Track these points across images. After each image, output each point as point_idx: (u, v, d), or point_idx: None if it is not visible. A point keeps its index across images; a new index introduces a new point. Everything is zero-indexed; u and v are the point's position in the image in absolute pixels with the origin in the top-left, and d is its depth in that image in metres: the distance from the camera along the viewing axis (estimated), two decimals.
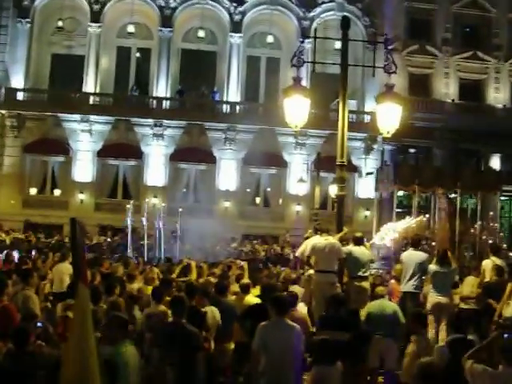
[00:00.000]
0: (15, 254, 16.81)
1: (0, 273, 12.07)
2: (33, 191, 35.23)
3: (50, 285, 13.76)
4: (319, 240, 12.16)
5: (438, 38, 38.00)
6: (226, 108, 35.98)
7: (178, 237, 25.15)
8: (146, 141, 35.36)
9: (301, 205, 35.26)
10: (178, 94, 36.59)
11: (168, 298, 9.11)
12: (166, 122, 35.11)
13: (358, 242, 12.84)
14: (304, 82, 13.17)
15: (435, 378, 5.68)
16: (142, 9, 36.51)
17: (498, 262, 13.10)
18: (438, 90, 37.86)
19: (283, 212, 35.88)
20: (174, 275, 13.12)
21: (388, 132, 11.28)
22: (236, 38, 36.48)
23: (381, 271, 15.65)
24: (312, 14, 36.55)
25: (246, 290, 10.57)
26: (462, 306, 12.15)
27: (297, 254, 13.67)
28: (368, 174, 33.52)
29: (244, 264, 14.14)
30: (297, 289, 11.83)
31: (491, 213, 23.72)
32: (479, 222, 22.19)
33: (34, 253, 19.36)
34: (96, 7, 35.83)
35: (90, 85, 35.47)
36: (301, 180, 33.98)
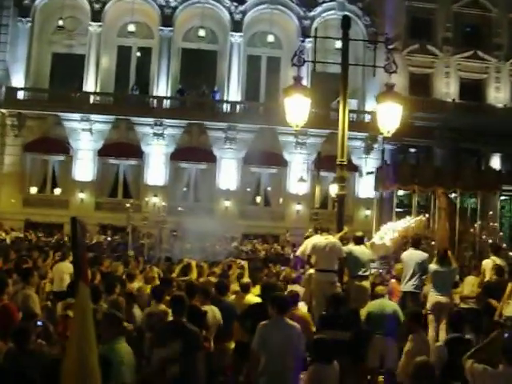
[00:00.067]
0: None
1: (0, 272, 12.05)
2: (33, 190, 35.25)
3: (51, 284, 13.77)
4: (320, 239, 12.17)
5: (438, 37, 38.00)
6: (226, 107, 36.00)
7: (178, 236, 25.19)
8: (146, 140, 35.37)
9: (301, 204, 35.28)
10: (178, 94, 36.60)
11: (168, 298, 9.10)
12: (166, 121, 35.13)
13: (359, 241, 12.85)
14: (304, 82, 13.17)
15: (430, 378, 5.68)
16: (142, 8, 36.51)
17: (498, 261, 13.11)
18: (439, 89, 37.86)
19: (283, 211, 35.89)
20: (174, 274, 13.11)
21: (388, 131, 11.28)
22: (236, 38, 36.49)
23: (381, 270, 15.64)
24: (313, 13, 36.56)
25: (246, 289, 10.57)
26: (462, 305, 12.15)
27: (297, 254, 13.67)
28: (368, 173, 33.50)
29: (244, 263, 14.13)
30: (297, 288, 11.82)
31: (491, 212, 23.71)
32: (479, 222, 22.17)
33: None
34: (96, 6, 35.84)
35: (90, 84, 35.49)
36: (301, 179, 34.00)
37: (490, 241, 20.68)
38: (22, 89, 35.03)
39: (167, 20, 36.21)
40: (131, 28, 36.27)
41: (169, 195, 34.19)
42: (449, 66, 37.89)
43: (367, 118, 35.05)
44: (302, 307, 10.92)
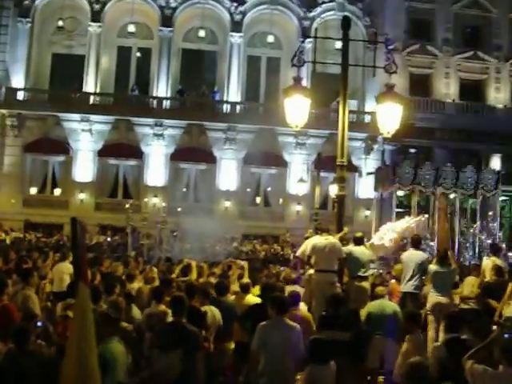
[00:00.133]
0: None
1: (0, 272, 12.05)
2: (33, 191, 35.25)
3: (51, 284, 13.77)
4: (319, 240, 12.17)
5: (438, 37, 38.01)
6: (226, 108, 35.99)
7: (178, 237, 25.18)
8: (146, 140, 35.37)
9: (301, 205, 35.28)
10: (178, 94, 36.60)
11: (168, 298, 9.10)
12: (166, 121, 35.13)
13: (359, 241, 12.85)
14: (304, 82, 13.18)
15: (423, 378, 5.68)
16: (142, 8, 36.51)
17: (498, 262, 13.12)
18: (439, 89, 37.87)
19: (283, 212, 35.89)
20: (174, 275, 13.11)
21: (388, 132, 11.27)
22: (236, 38, 36.49)
23: (381, 271, 15.63)
24: (312, 13, 36.57)
25: (246, 289, 10.57)
26: (462, 306, 12.14)
27: (297, 254, 13.67)
28: (369, 173, 33.50)
29: (244, 264, 14.13)
30: (297, 289, 11.81)
31: (490, 213, 23.70)
32: (478, 222, 22.16)
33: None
34: (96, 7, 35.85)
35: (90, 84, 35.49)
36: (301, 180, 33.99)
37: (489, 241, 20.69)
38: (21, 89, 35.04)
39: (167, 20, 36.21)
40: (131, 28, 36.26)
41: (169, 196, 34.20)
42: (449, 66, 37.90)
43: (367, 118, 35.05)
44: (303, 307, 10.92)
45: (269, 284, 10.96)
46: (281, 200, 36.21)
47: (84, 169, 34.91)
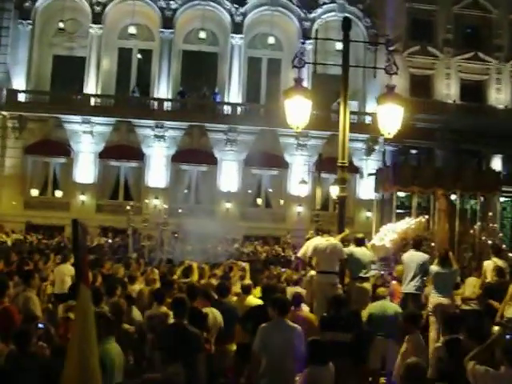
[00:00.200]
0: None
1: (1, 274, 12.05)
2: (34, 192, 35.26)
3: (52, 286, 13.77)
4: (320, 241, 12.17)
5: (439, 38, 38.01)
6: (227, 109, 36.00)
7: (179, 238, 25.17)
8: (147, 142, 35.39)
9: (302, 206, 35.27)
10: (179, 96, 36.61)
11: (169, 300, 9.11)
12: (167, 123, 35.15)
13: (360, 242, 12.85)
14: (305, 83, 13.16)
15: (420, 379, 5.67)
16: (143, 10, 36.53)
17: (500, 262, 13.10)
18: (440, 90, 37.86)
19: (284, 213, 35.90)
20: (175, 276, 13.11)
21: (389, 133, 11.26)
22: (237, 39, 36.50)
23: (382, 272, 15.62)
24: (313, 15, 36.56)
25: (247, 290, 10.57)
26: (464, 306, 12.13)
27: (298, 255, 13.67)
28: (370, 174, 33.46)
29: (246, 265, 14.13)
30: (298, 290, 11.81)
31: (490, 213, 23.69)
32: (479, 223, 22.14)
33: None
34: (97, 9, 35.86)
35: (91, 86, 35.51)
36: (302, 181, 33.98)
37: (490, 242, 20.67)
38: (22, 91, 35.04)
39: (168, 22, 36.23)
40: (132, 30, 36.28)
41: (170, 197, 34.20)
42: (449, 67, 37.89)
43: (368, 119, 35.06)
44: (305, 309, 10.92)
45: (270, 285, 10.96)
46: (282, 201, 36.22)
47: (85, 170, 34.92)
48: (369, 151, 35.94)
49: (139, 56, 38.14)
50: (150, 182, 35.31)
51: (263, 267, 17.34)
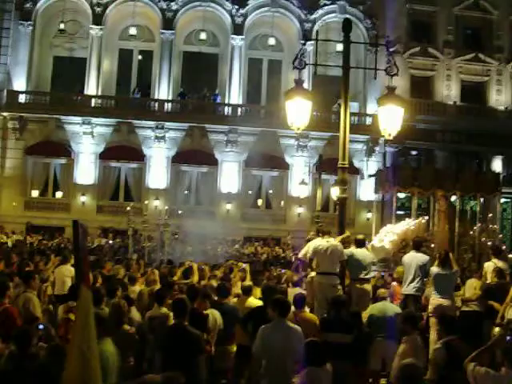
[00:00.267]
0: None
1: (1, 275, 12.05)
2: (35, 193, 35.25)
3: (52, 287, 13.77)
4: (321, 242, 12.16)
5: (439, 40, 38.00)
6: (227, 110, 35.99)
7: (180, 239, 25.18)
8: (147, 143, 35.39)
9: (302, 207, 35.26)
10: (179, 97, 36.62)
11: (170, 301, 9.11)
12: (167, 124, 35.15)
13: (360, 244, 12.85)
14: (306, 84, 13.16)
15: (416, 380, 5.67)
16: (143, 11, 36.54)
17: (500, 264, 13.11)
18: (440, 92, 37.86)
19: (285, 214, 35.89)
20: (175, 277, 13.11)
21: (390, 134, 11.27)
22: (238, 41, 36.50)
23: (382, 273, 15.63)
24: (314, 16, 36.56)
25: (248, 292, 10.57)
26: (464, 308, 12.12)
27: (299, 256, 13.67)
28: (370, 176, 33.52)
29: (246, 266, 14.13)
30: (299, 291, 11.80)
31: (490, 214, 23.71)
32: (478, 224, 22.16)
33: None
34: (98, 10, 35.87)
35: (91, 87, 35.51)
36: (302, 182, 33.97)
37: (489, 243, 20.67)
38: (23, 92, 35.03)
39: (168, 23, 36.23)
40: (132, 31, 36.28)
41: (170, 198, 34.20)
42: (450, 68, 37.88)
43: (368, 120, 35.04)
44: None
45: (270, 286, 10.96)
46: (282, 202, 36.22)
47: (85, 171, 34.92)
48: (369, 152, 35.93)
49: (140, 57, 38.15)
50: (150, 182, 35.31)
51: (263, 268, 17.35)
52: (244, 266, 14.43)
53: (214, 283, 11.74)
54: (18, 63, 35.20)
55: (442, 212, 20.90)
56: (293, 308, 8.98)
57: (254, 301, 10.22)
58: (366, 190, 34.13)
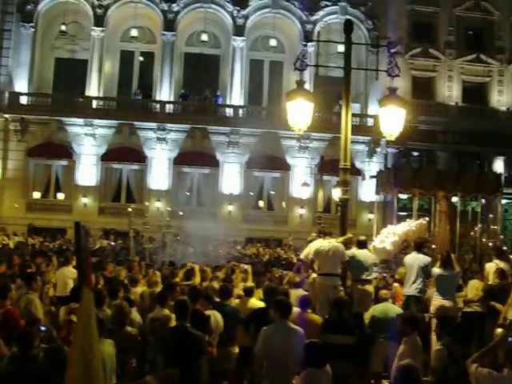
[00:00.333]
0: None
1: (3, 277, 12.06)
2: (36, 195, 35.28)
3: (54, 289, 13.77)
4: (323, 243, 12.15)
5: (441, 41, 37.99)
6: (229, 111, 35.99)
7: (181, 240, 25.18)
8: (149, 144, 35.41)
9: (304, 208, 35.26)
10: (181, 98, 36.65)
11: (172, 302, 9.11)
12: (169, 125, 35.16)
13: (362, 245, 12.84)
14: (307, 86, 13.19)
15: (414, 381, 5.67)
16: (145, 13, 36.57)
17: (502, 264, 13.09)
18: (442, 92, 37.85)
19: (286, 215, 35.90)
20: (177, 279, 13.10)
21: (391, 135, 11.28)
22: (239, 42, 36.51)
23: (384, 274, 15.61)
24: (315, 17, 36.54)
25: (249, 293, 10.56)
26: (466, 309, 12.11)
27: (301, 257, 13.67)
28: (372, 177, 33.48)
29: (248, 267, 14.12)
30: (300, 292, 11.79)
31: (491, 215, 23.71)
32: (479, 225, 22.15)
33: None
34: (99, 11, 35.90)
35: (93, 89, 35.53)
36: (304, 183, 33.98)
37: (490, 244, 20.66)
38: (25, 94, 35.06)
39: (170, 25, 36.25)
40: (134, 33, 36.33)
41: (172, 200, 34.21)
42: (451, 69, 37.86)
43: (370, 121, 34.99)
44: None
45: (272, 287, 10.95)
46: (284, 204, 36.22)
47: (87, 173, 34.95)
48: (371, 153, 35.92)
49: (141, 58, 38.19)
50: (152, 184, 35.33)
51: (265, 269, 17.34)
52: (246, 267, 14.41)
53: (216, 285, 11.73)
54: (20, 65, 35.24)
55: (443, 213, 20.87)
56: (298, 309, 8.99)
57: (256, 302, 10.22)
58: (368, 191, 34.09)
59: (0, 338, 7.60)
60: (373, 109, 33.95)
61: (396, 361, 8.19)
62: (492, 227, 23.32)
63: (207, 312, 9.05)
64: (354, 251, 12.49)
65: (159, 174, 35.29)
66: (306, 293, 11.87)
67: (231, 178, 35.56)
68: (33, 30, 35.53)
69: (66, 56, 37.48)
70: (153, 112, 35.59)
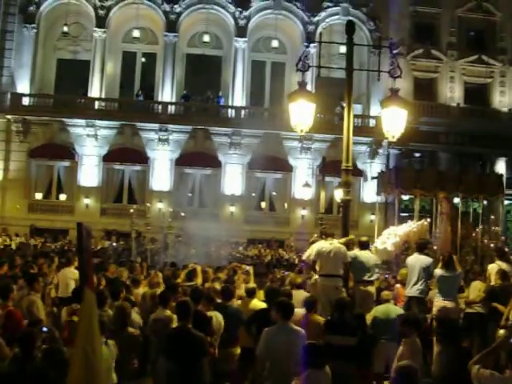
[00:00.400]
0: None
1: (5, 278, 12.07)
2: (38, 196, 35.31)
3: (56, 289, 13.77)
4: (324, 244, 12.13)
5: (443, 42, 37.99)
6: (231, 112, 36.02)
7: (183, 241, 25.16)
8: (151, 145, 35.42)
9: (306, 209, 35.26)
10: (183, 99, 36.67)
11: (173, 303, 9.11)
12: (171, 126, 35.18)
13: (364, 246, 12.82)
14: (309, 87, 13.20)
15: (412, 382, 5.66)
16: (147, 14, 36.60)
17: (504, 266, 13.06)
18: (443, 93, 37.84)
19: (288, 216, 35.89)
20: (179, 280, 13.10)
21: (393, 136, 11.27)
22: (241, 43, 36.53)
23: (386, 275, 15.61)
24: (317, 18, 36.57)
25: (251, 294, 10.56)
26: (468, 310, 12.10)
27: (303, 258, 13.66)
28: (374, 178, 33.47)
29: (250, 268, 14.11)
30: (302, 293, 11.79)
31: (493, 216, 23.70)
32: (481, 226, 22.13)
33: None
34: (101, 12, 35.93)
35: (95, 90, 35.56)
36: (306, 184, 33.97)
37: (492, 245, 20.64)
38: (27, 95, 35.11)
39: (172, 26, 36.28)
40: (136, 34, 36.37)
41: (174, 200, 34.20)
42: (453, 70, 37.86)
43: (372, 122, 35.03)
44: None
45: (273, 288, 10.95)
46: (286, 205, 36.23)
47: (89, 174, 34.98)
48: (373, 154, 35.92)
49: (143, 59, 38.24)
50: (153, 185, 35.35)
51: (267, 270, 17.33)
52: (247, 268, 14.41)
53: (218, 285, 11.72)
54: (22, 66, 35.28)
55: (444, 214, 20.87)
56: (302, 310, 8.99)
57: (258, 303, 10.21)
58: (370, 192, 34.08)
59: (2, 339, 7.61)
60: (375, 110, 34.00)
61: (395, 362, 8.20)
62: (494, 228, 23.30)
63: (209, 313, 9.04)
64: (356, 252, 12.47)
65: (161, 174, 35.30)
66: (308, 294, 11.88)
67: (233, 178, 35.57)
68: (35, 31, 35.57)
69: (68, 57, 37.54)
70: (155, 113, 35.62)
